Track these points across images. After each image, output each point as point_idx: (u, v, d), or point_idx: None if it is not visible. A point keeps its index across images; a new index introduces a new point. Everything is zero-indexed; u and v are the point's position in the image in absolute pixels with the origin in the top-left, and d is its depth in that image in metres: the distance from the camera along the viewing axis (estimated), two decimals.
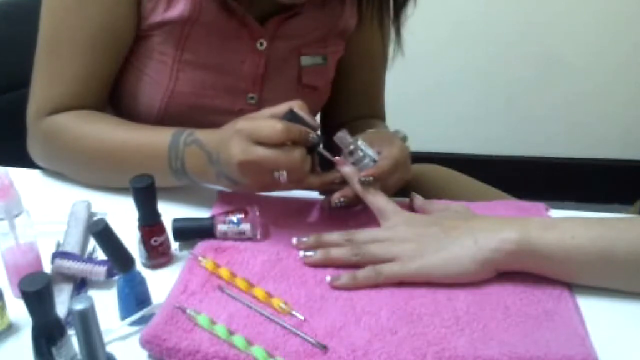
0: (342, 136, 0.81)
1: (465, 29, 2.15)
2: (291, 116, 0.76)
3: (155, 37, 0.91)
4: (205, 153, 0.81)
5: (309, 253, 0.76)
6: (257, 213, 0.81)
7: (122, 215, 0.80)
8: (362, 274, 0.73)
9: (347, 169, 0.81)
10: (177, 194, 0.90)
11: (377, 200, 0.80)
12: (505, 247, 0.71)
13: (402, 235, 0.75)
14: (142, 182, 0.75)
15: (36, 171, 0.97)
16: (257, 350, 0.63)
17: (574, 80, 2.20)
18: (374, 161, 0.81)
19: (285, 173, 0.75)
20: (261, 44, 0.94)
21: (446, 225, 0.75)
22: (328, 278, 0.73)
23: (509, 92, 2.23)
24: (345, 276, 0.73)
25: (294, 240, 0.79)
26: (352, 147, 0.81)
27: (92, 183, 0.92)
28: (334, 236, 0.78)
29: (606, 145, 2.29)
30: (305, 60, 0.99)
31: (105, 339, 0.62)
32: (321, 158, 0.82)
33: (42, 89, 0.92)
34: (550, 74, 2.20)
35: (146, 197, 0.76)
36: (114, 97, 0.97)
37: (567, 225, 0.72)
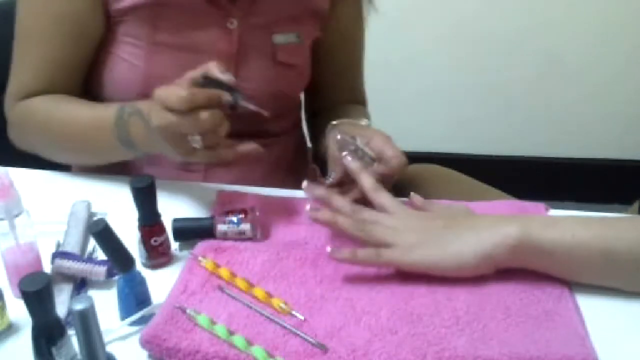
0: (343, 138, 0.82)
1: (465, 29, 2.15)
2: (205, 81, 0.77)
3: (127, 22, 0.94)
4: (144, 122, 0.82)
5: (315, 210, 0.78)
6: (257, 213, 0.81)
7: (122, 215, 0.80)
8: (363, 252, 0.74)
9: (354, 166, 0.82)
10: (177, 194, 0.90)
11: (381, 197, 0.80)
12: (506, 242, 0.71)
13: (406, 225, 0.76)
14: (142, 182, 0.75)
15: (36, 171, 0.98)
16: (257, 350, 0.63)
17: (574, 80, 2.20)
18: (372, 159, 0.82)
19: (198, 138, 0.76)
20: (232, 23, 0.96)
21: (449, 220, 0.76)
22: (329, 249, 0.74)
23: (509, 92, 2.23)
24: (346, 251, 0.74)
25: (304, 184, 0.81)
26: (353, 147, 0.82)
27: (64, 161, 0.99)
28: (341, 202, 0.79)
29: (606, 145, 2.29)
30: (279, 38, 0.99)
31: (105, 339, 0.62)
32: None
33: (15, 75, 0.97)
34: (551, 74, 2.20)
35: (146, 197, 0.76)
36: (93, 85, 1.00)
37: (568, 223, 0.72)
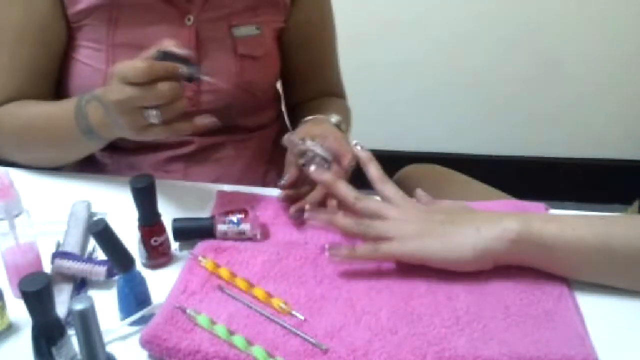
0: (289, 139, 0.81)
1: (465, 29, 2.15)
2: (162, 55, 0.77)
3: (86, 26, 0.95)
4: (102, 105, 0.82)
5: (314, 213, 0.78)
6: (257, 213, 0.81)
7: (122, 215, 0.80)
8: (361, 248, 0.74)
9: (325, 177, 0.80)
10: (177, 194, 0.90)
11: (386, 188, 0.80)
12: (506, 236, 0.71)
13: (406, 216, 0.76)
14: (142, 182, 0.75)
15: (36, 171, 0.97)
16: (257, 350, 0.63)
17: (574, 80, 2.20)
18: (325, 160, 0.81)
19: (154, 112, 0.76)
20: (189, 19, 0.96)
21: (451, 215, 0.76)
22: (327, 246, 0.74)
23: (509, 92, 2.23)
24: (345, 248, 0.74)
25: (312, 168, 0.80)
26: (301, 147, 0.81)
27: (40, 164, 0.97)
28: (343, 189, 0.78)
29: (606, 145, 2.29)
30: (239, 31, 1.00)
31: (105, 339, 0.62)
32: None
33: None
34: (551, 74, 2.20)
35: (146, 197, 0.76)
36: (63, 93, 1.00)
37: (568, 219, 0.73)
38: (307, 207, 0.80)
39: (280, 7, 1.04)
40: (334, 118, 0.95)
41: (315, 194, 0.83)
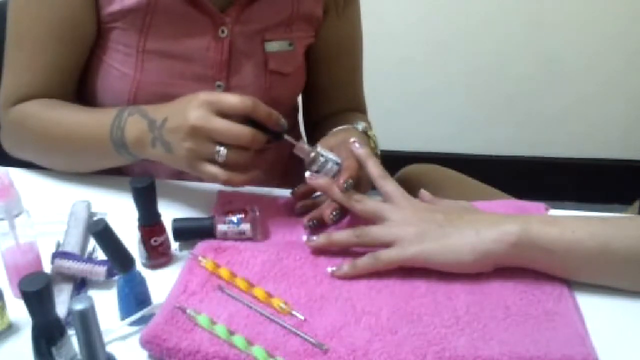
0: (300, 146, 0.80)
1: (465, 30, 2.15)
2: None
3: (118, 29, 0.93)
4: (147, 120, 0.81)
5: (312, 237, 0.77)
6: (257, 213, 0.81)
7: (122, 215, 0.80)
8: (362, 261, 0.74)
9: (322, 182, 0.80)
10: (177, 194, 0.90)
11: (387, 185, 0.80)
12: (506, 239, 0.71)
13: (405, 217, 0.75)
14: (142, 182, 0.75)
15: (36, 171, 0.97)
16: (257, 350, 0.63)
17: (575, 80, 2.20)
18: (338, 164, 0.80)
19: (224, 151, 0.75)
20: (223, 31, 0.95)
21: (451, 214, 0.76)
22: (329, 269, 0.74)
23: (510, 93, 2.23)
24: (345, 265, 0.74)
25: (307, 174, 0.79)
26: (312, 154, 0.80)
27: (59, 168, 0.96)
28: (338, 194, 0.78)
29: (606, 145, 2.29)
30: (271, 46, 0.99)
31: (105, 339, 0.62)
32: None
33: (8, 80, 0.95)
34: (551, 75, 2.20)
35: (146, 197, 0.76)
36: (86, 92, 0.99)
37: (568, 221, 0.72)
38: (304, 237, 0.79)
39: (313, 21, 1.02)
40: (360, 125, 0.93)
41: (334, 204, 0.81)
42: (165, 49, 0.94)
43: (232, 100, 0.75)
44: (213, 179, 0.78)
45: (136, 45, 0.93)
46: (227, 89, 0.97)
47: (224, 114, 0.75)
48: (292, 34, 1.00)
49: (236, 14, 0.95)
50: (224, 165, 0.77)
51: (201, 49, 0.95)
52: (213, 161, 0.77)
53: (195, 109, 0.76)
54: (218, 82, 0.97)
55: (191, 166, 0.79)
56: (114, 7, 0.91)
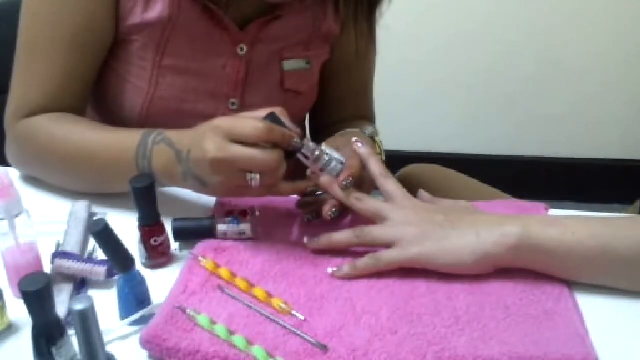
0: (305, 144, 0.79)
1: (465, 30, 2.15)
2: (272, 119, 0.75)
3: (135, 42, 0.91)
4: (174, 151, 0.79)
5: (313, 238, 0.77)
6: (257, 213, 0.81)
7: (122, 215, 0.80)
8: (362, 262, 0.74)
9: (323, 179, 0.79)
10: (177, 194, 0.90)
11: (388, 184, 0.80)
12: (506, 241, 0.71)
13: (405, 218, 0.75)
14: (142, 182, 0.75)
15: None
16: (257, 350, 0.63)
17: (574, 80, 2.20)
18: (342, 163, 0.80)
19: (258, 176, 0.73)
20: (242, 49, 0.94)
21: (451, 215, 0.76)
22: (330, 270, 0.74)
23: (509, 93, 2.23)
24: (346, 266, 0.74)
25: (308, 172, 0.79)
26: (317, 152, 0.79)
27: (67, 187, 0.90)
28: (339, 192, 0.78)
29: (606, 145, 2.29)
30: (289, 65, 0.98)
31: (105, 339, 0.62)
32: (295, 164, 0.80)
33: (19, 90, 0.90)
34: (551, 74, 2.20)
35: (146, 197, 0.76)
36: (97, 102, 0.97)
37: (568, 222, 0.72)
38: (305, 239, 0.78)
39: (330, 39, 1.01)
40: (368, 130, 0.93)
41: (334, 200, 0.80)
42: (181, 65, 0.92)
43: (247, 129, 0.72)
44: (262, 196, 0.78)
45: (152, 59, 0.91)
46: (241, 106, 0.96)
47: (240, 141, 0.73)
48: (310, 52, 0.99)
49: (256, 31, 0.94)
50: (266, 186, 0.75)
51: (218, 66, 0.94)
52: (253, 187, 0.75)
53: (212, 140, 0.73)
54: (232, 100, 0.97)
55: (232, 194, 0.79)
56: (135, 20, 0.89)
